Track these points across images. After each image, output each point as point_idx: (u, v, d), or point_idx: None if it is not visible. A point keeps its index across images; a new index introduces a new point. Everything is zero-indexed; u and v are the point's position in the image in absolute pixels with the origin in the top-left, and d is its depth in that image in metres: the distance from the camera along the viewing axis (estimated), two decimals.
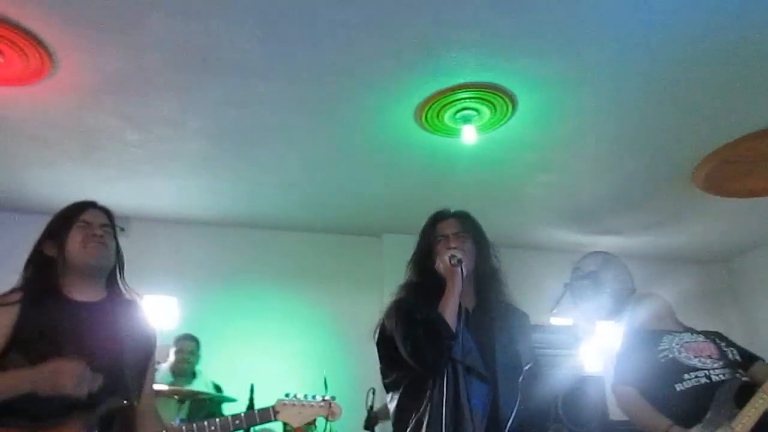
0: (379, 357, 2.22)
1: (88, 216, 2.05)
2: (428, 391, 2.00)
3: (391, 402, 2.14)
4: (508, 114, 3.55)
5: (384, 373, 2.20)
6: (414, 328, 2.05)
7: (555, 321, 4.97)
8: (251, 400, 3.29)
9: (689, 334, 2.96)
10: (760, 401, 2.51)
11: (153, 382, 2.13)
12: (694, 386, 2.67)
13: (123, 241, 4.92)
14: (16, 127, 3.73)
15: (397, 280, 5.65)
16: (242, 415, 1.86)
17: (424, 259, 2.27)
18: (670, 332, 2.97)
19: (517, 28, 2.91)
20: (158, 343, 3.95)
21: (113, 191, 4.51)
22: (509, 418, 2.02)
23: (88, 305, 1.95)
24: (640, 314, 3.18)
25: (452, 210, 2.41)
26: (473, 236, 2.29)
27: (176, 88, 3.37)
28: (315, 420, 2.01)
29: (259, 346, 4.82)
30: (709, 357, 2.76)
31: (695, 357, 2.76)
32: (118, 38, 2.95)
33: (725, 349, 2.85)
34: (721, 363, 2.74)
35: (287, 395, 1.97)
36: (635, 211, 5.06)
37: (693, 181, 4.51)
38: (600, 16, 2.85)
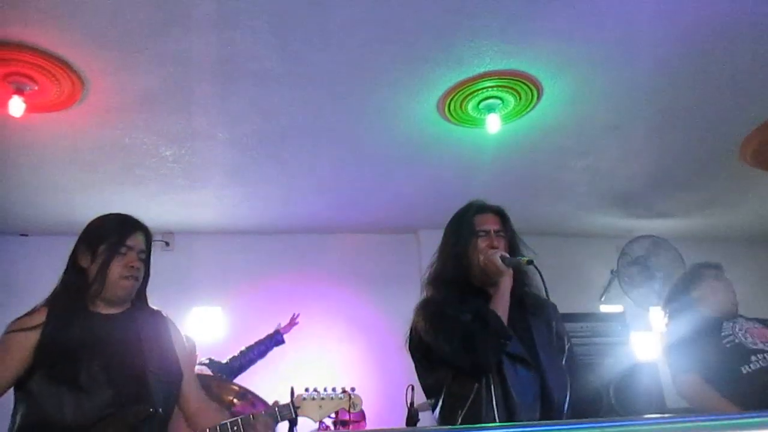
0: (415, 361, 2.18)
1: (132, 241, 2.03)
2: (476, 384, 1.96)
3: (435, 405, 2.10)
4: (534, 100, 3.47)
5: (423, 376, 2.16)
6: (458, 326, 2.01)
7: (604, 309, 4.83)
8: (292, 403, 3.29)
9: (744, 319, 2.90)
10: None
11: (194, 384, 2.14)
12: (762, 367, 2.61)
13: (167, 256, 5.08)
14: (56, 152, 3.87)
15: None
16: (263, 413, 1.87)
17: (461, 251, 2.21)
18: (727, 319, 2.89)
19: (535, 11, 2.83)
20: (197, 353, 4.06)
21: (155, 207, 4.64)
22: (564, 403, 1.97)
23: (113, 317, 1.99)
24: (690, 305, 3.06)
25: (489, 204, 2.36)
26: (510, 235, 2.26)
27: (202, 101, 3.43)
28: (337, 413, 2.00)
29: (302, 351, 4.85)
30: None
31: (760, 341, 2.71)
32: (141, 57, 3.02)
33: None
34: None
35: (307, 390, 1.97)
36: (682, 191, 4.87)
37: (740, 157, 4.30)
38: None
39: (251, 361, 4.24)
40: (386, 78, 3.29)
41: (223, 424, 1.88)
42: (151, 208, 4.66)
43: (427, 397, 2.13)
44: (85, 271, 2.01)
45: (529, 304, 2.16)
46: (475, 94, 3.37)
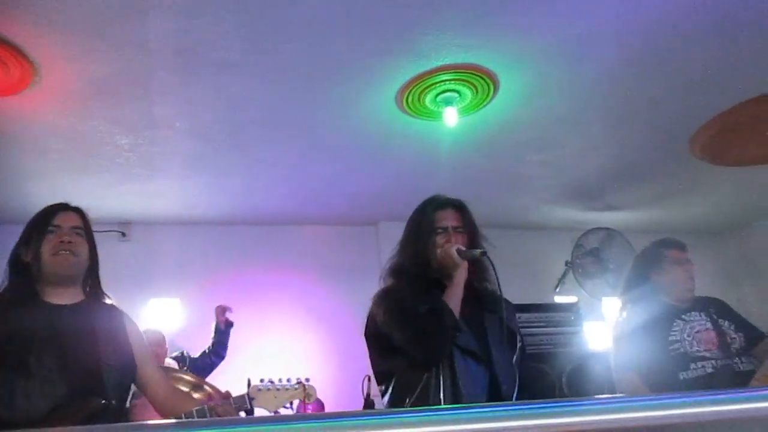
0: (370, 347, 2.20)
1: (58, 220, 2.04)
2: (426, 375, 2.00)
3: (384, 392, 2.13)
4: (491, 94, 3.53)
5: (376, 363, 2.19)
6: (414, 318, 2.05)
7: (559, 299, 4.94)
8: (248, 395, 3.29)
9: (698, 314, 2.85)
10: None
11: (157, 374, 2.12)
12: (699, 376, 2.65)
13: (124, 246, 5.01)
14: (9, 139, 3.78)
15: None
16: (219, 404, 1.88)
17: (420, 247, 2.24)
18: (680, 315, 2.85)
19: (492, 5, 2.88)
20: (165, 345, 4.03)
21: (111, 197, 4.58)
22: (512, 397, 2.02)
23: (65, 308, 1.98)
24: (647, 288, 2.99)
25: (451, 199, 2.38)
26: (469, 229, 2.28)
27: (162, 89, 3.39)
28: (292, 403, 2.02)
29: (262, 342, 4.85)
30: (715, 347, 2.73)
31: (705, 348, 2.73)
32: (99, 42, 2.96)
33: (732, 335, 2.78)
34: (722, 352, 2.70)
35: (262, 380, 1.98)
36: (636, 184, 5.01)
37: (691, 150, 4.44)
38: None
39: (219, 356, 4.21)
40: (347, 69, 3.31)
41: (199, 409, 1.89)
42: (107, 198, 4.60)
43: (378, 383, 2.17)
44: (28, 265, 2.00)
45: (486, 300, 2.20)
46: (433, 87, 3.42)
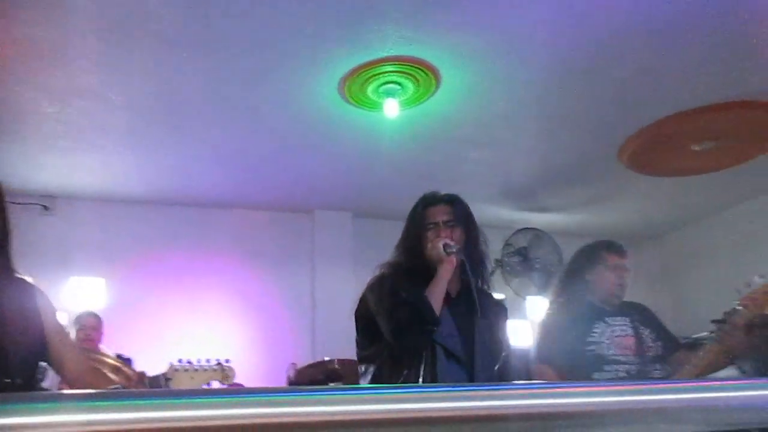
0: (357, 329, 2.21)
1: None
2: (405, 370, 2.02)
3: (365, 374, 2.16)
4: (433, 88, 3.57)
5: (361, 345, 2.20)
6: (398, 308, 2.06)
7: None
8: (163, 375, 3.22)
9: (621, 318, 2.91)
10: None
11: (71, 353, 2.04)
12: (611, 379, 2.70)
13: (46, 220, 4.80)
14: None
15: (328, 257, 5.68)
16: (132, 384, 1.82)
17: (413, 244, 2.26)
18: (604, 318, 2.89)
19: (439, 1, 2.91)
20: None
21: (34, 168, 4.37)
22: None
23: None
24: (579, 286, 3.00)
25: (443, 195, 2.41)
26: (463, 224, 2.30)
27: (96, 59, 3.26)
28: (209, 384, 1.99)
29: (191, 326, 4.75)
30: (631, 353, 2.80)
31: (621, 353, 2.81)
32: (31, 3, 2.82)
33: (650, 344, 2.85)
34: (638, 359, 2.79)
35: (180, 361, 1.93)
36: (567, 188, 5.16)
37: (618, 158, 4.61)
38: None
39: None
40: (290, 54, 3.27)
41: (114, 389, 1.82)
42: (29, 169, 4.38)
43: (360, 363, 2.18)
44: None
45: (481, 305, 2.19)
46: (376, 77, 3.42)
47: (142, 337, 4.54)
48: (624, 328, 2.90)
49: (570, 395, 0.85)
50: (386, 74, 3.39)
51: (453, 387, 0.82)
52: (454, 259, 2.15)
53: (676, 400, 0.94)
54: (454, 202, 2.37)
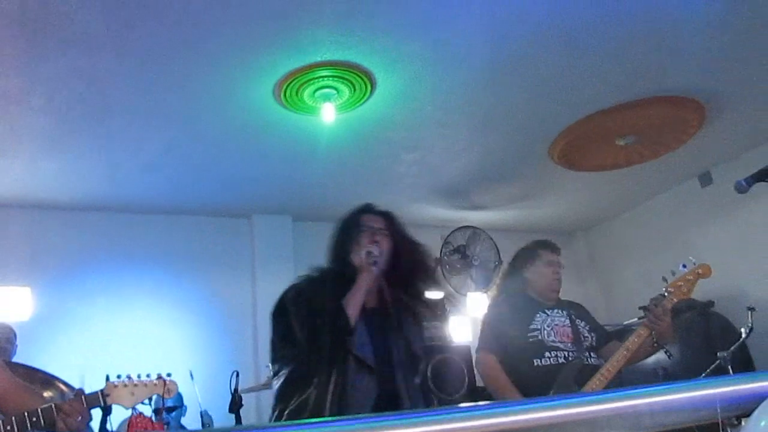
0: (273, 329, 2.21)
1: None
2: (317, 376, 2.03)
3: (278, 376, 2.15)
4: (368, 93, 3.59)
5: (276, 346, 2.19)
6: (314, 315, 2.07)
7: (427, 294, 5.11)
8: (101, 391, 3.11)
9: (559, 311, 3.08)
10: (599, 376, 2.72)
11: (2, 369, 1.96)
12: (551, 364, 2.85)
13: None
14: None
15: (268, 261, 5.63)
16: (68, 401, 1.77)
17: (342, 247, 2.29)
18: (543, 309, 3.07)
19: (371, 6, 2.94)
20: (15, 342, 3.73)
21: None
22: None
23: None
24: (519, 282, 3.21)
25: (379, 207, 2.43)
26: (395, 237, 2.32)
27: (15, 60, 3.10)
28: (151, 399, 1.96)
29: (124, 336, 4.61)
30: (569, 340, 2.95)
31: (559, 340, 2.95)
32: None
33: (586, 334, 3.02)
34: (575, 346, 2.93)
35: (119, 376, 1.89)
36: (499, 186, 5.29)
37: (549, 156, 4.77)
38: None
39: None
40: (222, 59, 3.22)
41: (45, 407, 1.75)
42: None
43: (273, 364, 2.17)
44: None
45: (403, 317, 2.24)
46: (312, 82, 3.42)
47: (72, 348, 4.39)
48: (562, 319, 3.06)
49: (502, 413, 0.90)
50: (322, 78, 3.39)
51: None
52: (374, 269, 2.18)
53: (603, 410, 1.00)
54: (389, 216, 2.41)
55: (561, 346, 2.94)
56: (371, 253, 2.19)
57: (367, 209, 2.40)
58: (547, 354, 2.90)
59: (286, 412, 2.03)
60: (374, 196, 5.01)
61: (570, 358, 2.89)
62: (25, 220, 4.74)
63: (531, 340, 2.96)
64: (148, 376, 1.99)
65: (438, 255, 5.30)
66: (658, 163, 5.03)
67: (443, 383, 4.26)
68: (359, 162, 4.55)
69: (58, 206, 4.80)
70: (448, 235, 5.31)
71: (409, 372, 2.19)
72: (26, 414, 1.78)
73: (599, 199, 5.92)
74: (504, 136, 4.43)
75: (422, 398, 2.19)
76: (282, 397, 2.09)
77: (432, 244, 5.50)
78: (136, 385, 1.93)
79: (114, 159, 4.22)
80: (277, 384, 2.14)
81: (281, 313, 2.18)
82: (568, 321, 3.06)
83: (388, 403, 2.07)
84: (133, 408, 2.32)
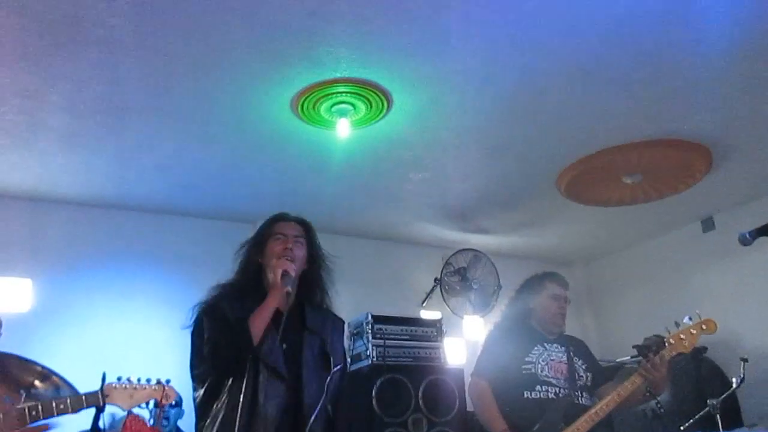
0: (191, 349, 2.24)
1: None
2: (226, 389, 2.09)
3: (196, 395, 2.19)
4: (383, 111, 3.64)
5: (193, 364, 2.22)
6: (217, 332, 2.12)
7: (424, 314, 5.14)
8: (101, 391, 3.12)
9: (558, 346, 3.10)
10: (592, 413, 2.74)
11: None
12: (541, 398, 2.90)
13: None
14: None
15: None
16: (67, 399, 1.78)
17: (253, 254, 2.36)
18: (543, 342, 3.09)
19: (392, 27, 2.99)
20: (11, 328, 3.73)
21: None
22: (312, 416, 2.12)
23: None
24: (523, 311, 3.23)
25: (294, 216, 2.51)
26: (308, 243, 2.39)
27: (38, 58, 3.16)
28: (149, 403, 1.98)
29: (121, 334, 4.62)
30: (563, 376, 2.98)
31: (553, 375, 2.97)
32: None
33: (581, 373, 3.04)
34: (568, 383, 2.96)
35: (119, 379, 1.91)
36: (504, 212, 5.33)
37: (557, 186, 4.82)
38: (470, 25, 2.99)
39: None
40: (242, 68, 3.27)
41: (45, 403, 1.76)
42: None
43: (193, 382, 2.20)
44: None
45: (310, 322, 2.29)
46: (329, 97, 3.46)
47: (69, 342, 4.40)
48: (559, 354, 3.09)
49: None
50: (340, 94, 3.44)
51: None
52: (288, 290, 2.21)
53: None
54: (304, 222, 2.49)
55: (553, 381, 2.97)
56: (288, 274, 2.21)
57: (282, 218, 2.47)
58: (538, 387, 2.95)
59: (205, 427, 2.07)
60: (380, 212, 5.16)
61: (560, 395, 2.91)
62: (32, 212, 4.76)
63: (524, 372, 2.99)
64: (148, 381, 2.01)
65: (438, 275, 5.33)
66: (662, 204, 5.08)
67: (434, 404, 4.25)
68: (368, 177, 4.59)
69: (65, 201, 4.82)
70: (450, 257, 5.33)
71: (319, 374, 2.23)
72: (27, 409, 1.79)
73: (602, 233, 5.96)
74: (513, 163, 4.48)
75: (323, 395, 2.20)
76: (200, 414, 2.14)
77: (432, 263, 5.57)
78: (135, 388, 1.96)
79: (126, 157, 4.26)
80: (198, 403, 2.17)
81: (197, 331, 2.23)
82: (565, 357, 3.07)
83: (296, 409, 2.11)
84: (130, 410, 2.34)
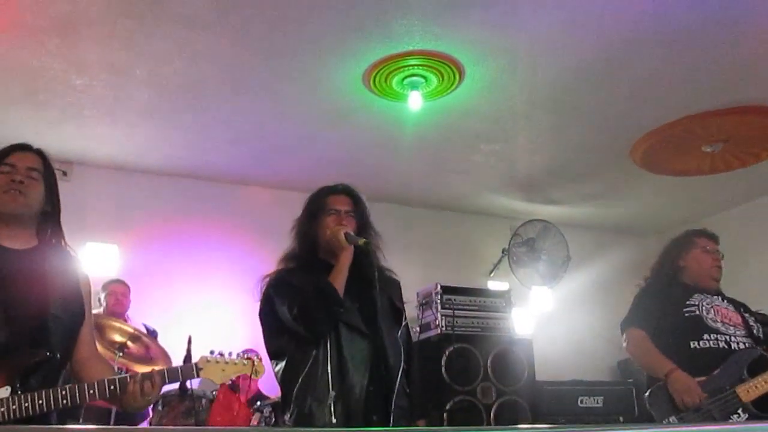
0: (264, 329, 2.31)
1: (14, 159, 1.94)
2: (314, 352, 2.15)
3: (277, 367, 2.26)
4: (455, 83, 3.63)
5: (269, 342, 2.29)
6: (299, 296, 2.17)
7: (492, 285, 5.15)
8: (189, 351, 3.29)
9: (719, 298, 2.80)
10: None
11: (90, 335, 2.11)
12: (711, 348, 2.61)
13: (64, 186, 4.85)
14: None
15: None
16: (165, 370, 1.87)
17: (310, 227, 2.38)
18: (701, 291, 2.78)
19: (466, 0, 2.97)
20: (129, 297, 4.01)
21: (55, 135, 4.40)
22: (398, 367, 2.21)
23: (16, 253, 1.91)
24: (672, 272, 2.90)
25: (344, 185, 2.50)
26: (359, 215, 2.40)
27: (124, 36, 3.32)
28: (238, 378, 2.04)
29: (201, 299, 4.83)
30: (734, 325, 2.69)
31: (721, 322, 2.67)
32: None
33: (752, 324, 2.75)
34: (744, 332, 2.68)
35: (212, 352, 1.99)
36: (575, 182, 5.24)
37: (631, 157, 4.69)
38: None
39: None
40: (316, 42, 3.33)
41: (100, 381, 1.85)
42: (48, 134, 4.41)
43: (271, 359, 2.28)
44: None
45: (377, 281, 2.29)
46: (401, 70, 3.48)
47: (153, 305, 4.63)
48: (724, 305, 2.77)
49: None
50: (412, 67, 3.44)
51: None
52: (353, 248, 2.25)
53: None
54: (353, 193, 2.47)
55: (722, 329, 2.65)
56: (350, 234, 2.26)
57: (333, 191, 2.45)
58: (705, 336, 2.64)
59: (295, 393, 2.15)
60: (449, 183, 5.16)
61: (731, 345, 2.61)
62: (117, 181, 5.01)
63: (687, 315, 2.68)
64: (238, 355, 2.07)
65: (506, 246, 5.32)
66: (741, 173, 4.88)
67: (502, 374, 4.30)
68: (439, 149, 4.60)
69: (148, 170, 5.05)
70: (519, 227, 5.30)
71: (392, 325, 2.29)
72: (96, 384, 1.85)
73: (677, 203, 5.76)
74: (586, 134, 4.39)
75: (401, 350, 2.27)
76: (286, 383, 2.20)
77: (500, 234, 5.55)
78: (227, 362, 2.01)
79: (204, 130, 4.41)
80: (279, 377, 2.25)
81: (268, 310, 2.27)
82: (732, 307, 2.77)
83: (379, 360, 2.17)
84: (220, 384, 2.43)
